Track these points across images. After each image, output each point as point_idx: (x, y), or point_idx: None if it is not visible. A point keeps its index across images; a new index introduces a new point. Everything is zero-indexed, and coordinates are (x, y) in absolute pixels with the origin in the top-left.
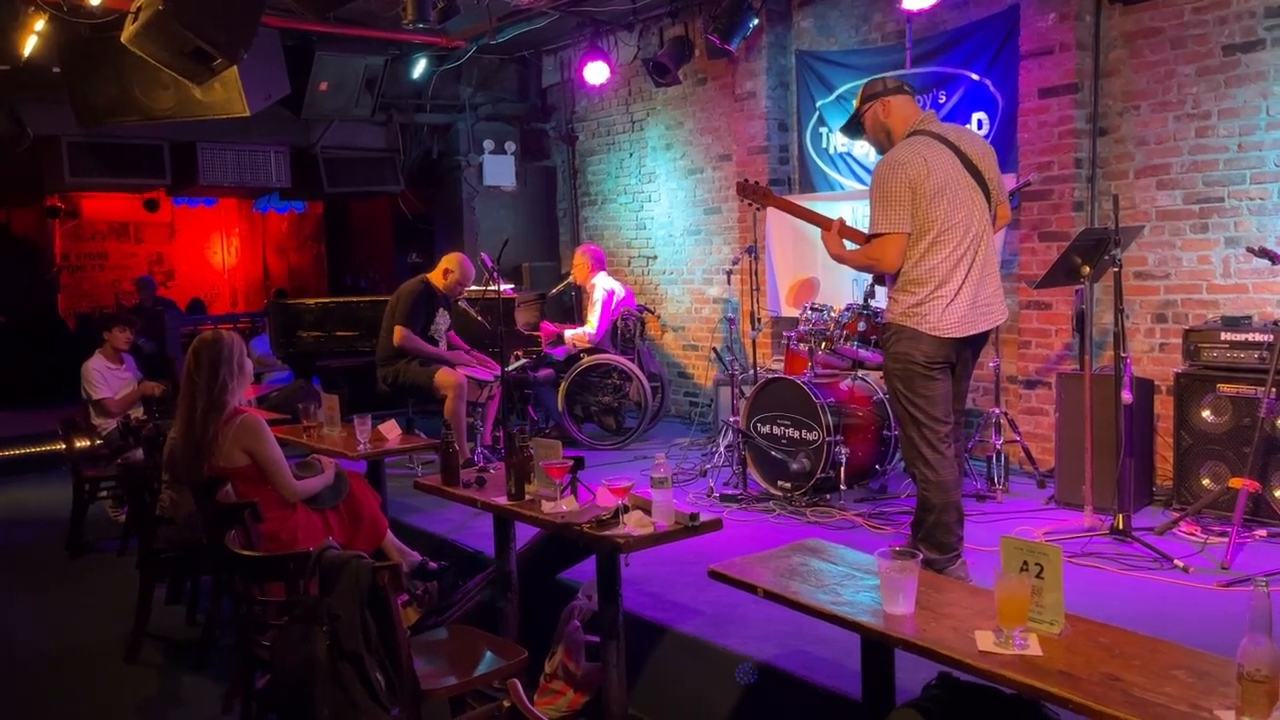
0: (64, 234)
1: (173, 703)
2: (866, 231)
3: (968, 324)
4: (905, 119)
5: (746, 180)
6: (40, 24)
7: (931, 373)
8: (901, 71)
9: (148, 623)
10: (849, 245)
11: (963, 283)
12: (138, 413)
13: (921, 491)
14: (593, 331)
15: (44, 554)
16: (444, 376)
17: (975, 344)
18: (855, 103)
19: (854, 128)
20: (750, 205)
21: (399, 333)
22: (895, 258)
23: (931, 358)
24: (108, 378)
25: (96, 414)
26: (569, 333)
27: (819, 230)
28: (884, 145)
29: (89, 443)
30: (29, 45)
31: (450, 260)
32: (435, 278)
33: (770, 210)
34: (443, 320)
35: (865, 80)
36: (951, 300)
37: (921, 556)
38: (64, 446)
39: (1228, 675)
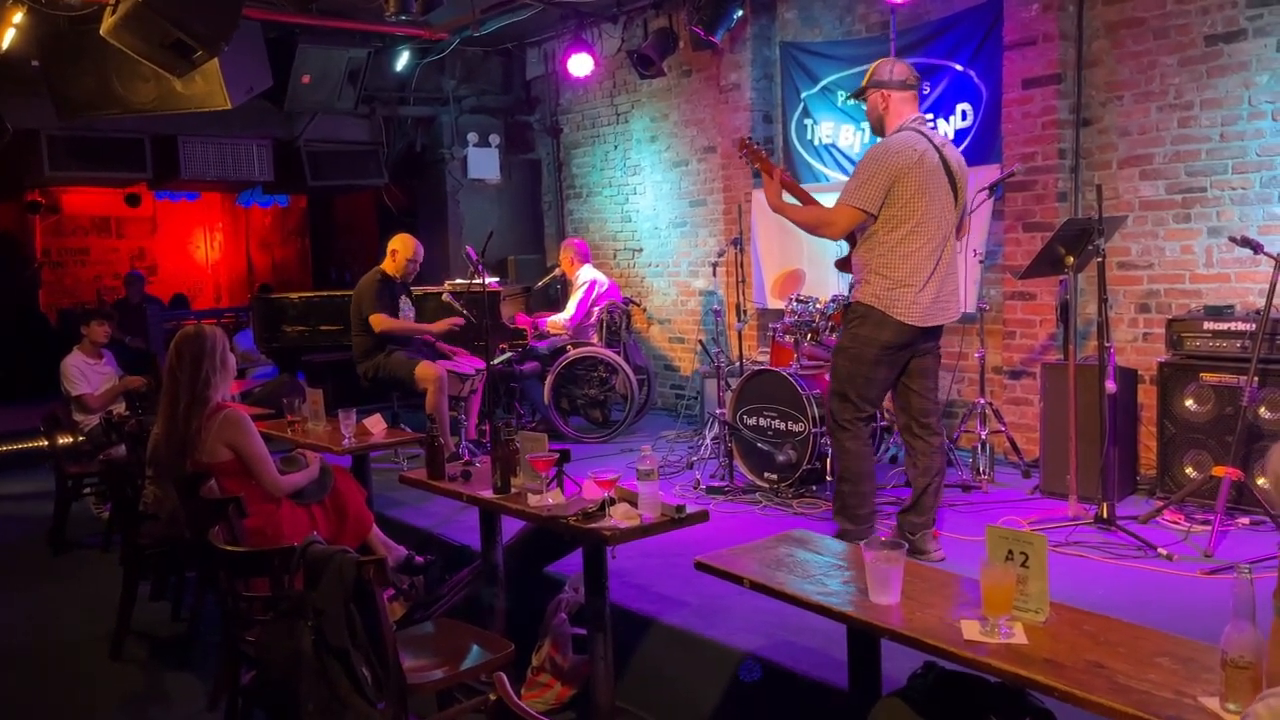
0: (45, 229)
1: (157, 699)
2: (840, 199)
3: (930, 315)
4: (899, 116)
5: (748, 138)
6: (18, 17)
7: (883, 358)
8: None
9: (132, 619)
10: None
11: (931, 275)
12: (120, 408)
13: (842, 461)
14: (567, 318)
15: (27, 551)
16: (424, 370)
17: (930, 337)
18: (866, 76)
19: (860, 96)
20: (746, 162)
21: (376, 320)
22: (846, 229)
23: (890, 343)
24: (87, 373)
25: (77, 410)
26: (547, 320)
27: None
28: (875, 129)
29: (71, 439)
30: (7, 38)
31: (394, 242)
32: (387, 265)
33: (755, 202)
34: (406, 308)
35: (879, 60)
36: (920, 289)
37: (836, 530)
38: (46, 443)
39: (1211, 662)
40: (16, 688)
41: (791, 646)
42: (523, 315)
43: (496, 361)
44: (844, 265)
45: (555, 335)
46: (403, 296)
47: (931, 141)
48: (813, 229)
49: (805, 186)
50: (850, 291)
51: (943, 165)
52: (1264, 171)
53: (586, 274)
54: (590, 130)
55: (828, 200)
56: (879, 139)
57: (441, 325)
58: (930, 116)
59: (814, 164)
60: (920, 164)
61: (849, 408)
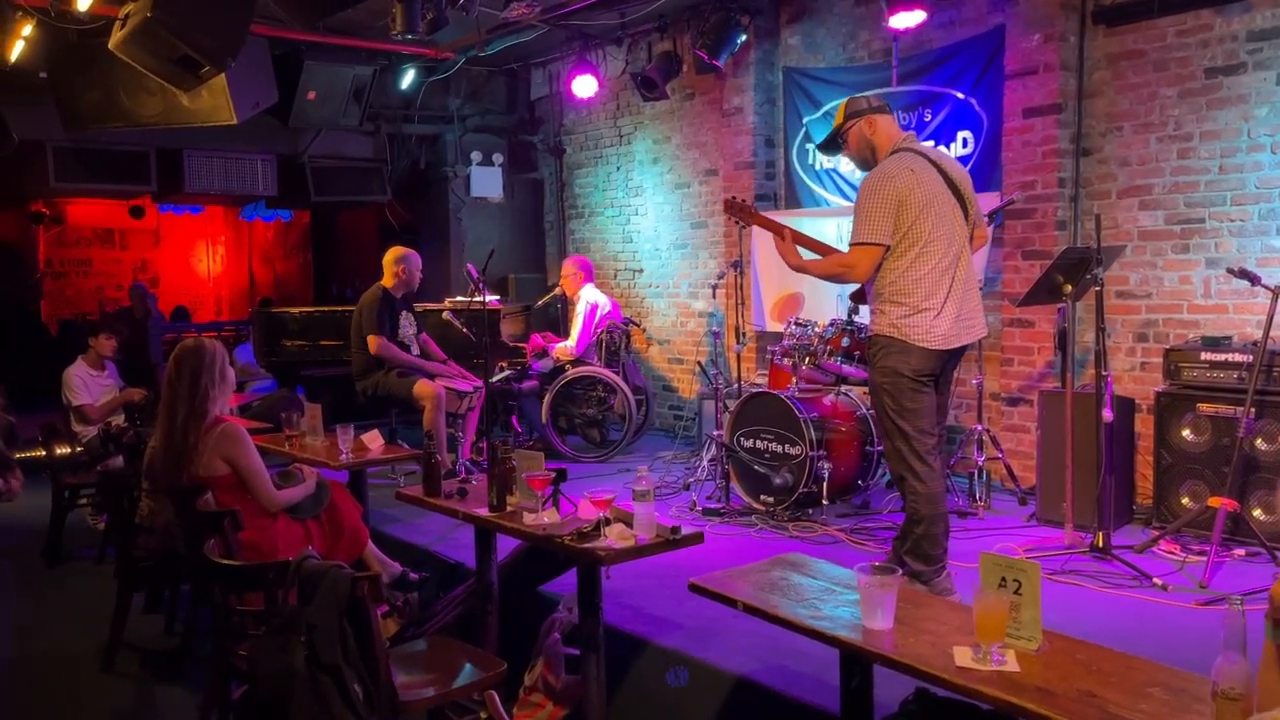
0: (48, 240)
1: (149, 712)
2: (851, 241)
3: (952, 337)
4: (890, 137)
5: (734, 197)
6: (28, 29)
7: (919, 385)
8: (887, 90)
9: (125, 631)
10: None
11: (947, 295)
12: (119, 420)
13: (911, 504)
14: (573, 345)
15: (21, 561)
16: (422, 387)
17: (956, 357)
18: (836, 119)
19: (833, 145)
20: (736, 223)
21: (374, 341)
22: (869, 268)
23: (919, 370)
24: (89, 384)
25: (77, 421)
26: (555, 347)
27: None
28: (868, 162)
29: (69, 450)
30: (16, 49)
31: (391, 256)
32: (387, 281)
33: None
34: (407, 324)
35: (846, 98)
36: (939, 313)
37: (907, 569)
38: (44, 453)
39: (1202, 693)
40: (7, 699)
41: (784, 670)
42: (537, 336)
43: (495, 379)
44: (858, 297)
45: (561, 360)
46: (405, 313)
47: (926, 157)
48: (837, 278)
49: (806, 211)
50: (869, 323)
51: (943, 179)
52: (1262, 204)
53: (588, 295)
54: (593, 151)
55: (830, 224)
56: (866, 174)
57: (437, 369)
58: (919, 137)
59: (815, 189)
60: (919, 184)
61: (911, 442)
